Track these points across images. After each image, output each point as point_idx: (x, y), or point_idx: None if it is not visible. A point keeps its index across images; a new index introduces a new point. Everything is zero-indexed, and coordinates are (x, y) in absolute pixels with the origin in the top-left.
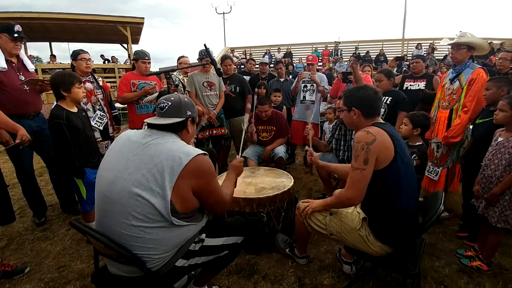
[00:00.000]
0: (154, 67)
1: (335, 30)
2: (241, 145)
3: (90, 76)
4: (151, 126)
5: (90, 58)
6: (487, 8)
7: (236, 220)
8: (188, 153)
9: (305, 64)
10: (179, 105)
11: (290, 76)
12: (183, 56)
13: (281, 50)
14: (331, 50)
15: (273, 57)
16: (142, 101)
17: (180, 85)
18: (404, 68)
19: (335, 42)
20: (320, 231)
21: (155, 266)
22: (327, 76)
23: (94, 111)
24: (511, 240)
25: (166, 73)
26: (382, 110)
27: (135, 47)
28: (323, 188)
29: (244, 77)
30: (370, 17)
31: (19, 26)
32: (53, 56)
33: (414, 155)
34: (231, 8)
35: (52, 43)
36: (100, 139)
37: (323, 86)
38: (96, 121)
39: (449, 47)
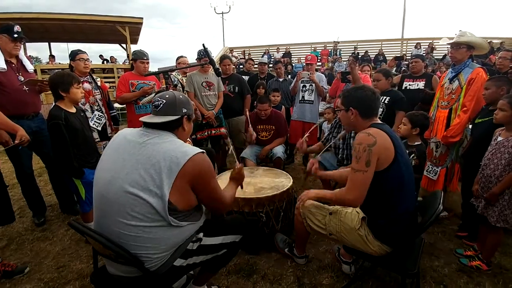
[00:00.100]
0: (153, 67)
1: (334, 30)
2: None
3: (88, 76)
4: (146, 124)
5: (88, 58)
6: (486, 8)
7: (234, 219)
8: (185, 152)
9: (304, 64)
10: (174, 103)
11: (289, 76)
12: (182, 56)
13: (280, 50)
14: (330, 50)
15: (272, 57)
16: (141, 102)
17: (179, 85)
18: (403, 68)
19: (334, 42)
20: (319, 231)
21: (154, 266)
22: (328, 76)
23: (92, 112)
24: (511, 239)
25: (165, 73)
26: (380, 110)
27: (134, 47)
28: (323, 188)
29: (243, 77)
30: (369, 16)
31: (18, 26)
32: (52, 57)
33: (413, 154)
34: (230, 8)
35: (51, 44)
36: (98, 139)
37: (322, 86)
38: (94, 121)
39: (449, 46)
